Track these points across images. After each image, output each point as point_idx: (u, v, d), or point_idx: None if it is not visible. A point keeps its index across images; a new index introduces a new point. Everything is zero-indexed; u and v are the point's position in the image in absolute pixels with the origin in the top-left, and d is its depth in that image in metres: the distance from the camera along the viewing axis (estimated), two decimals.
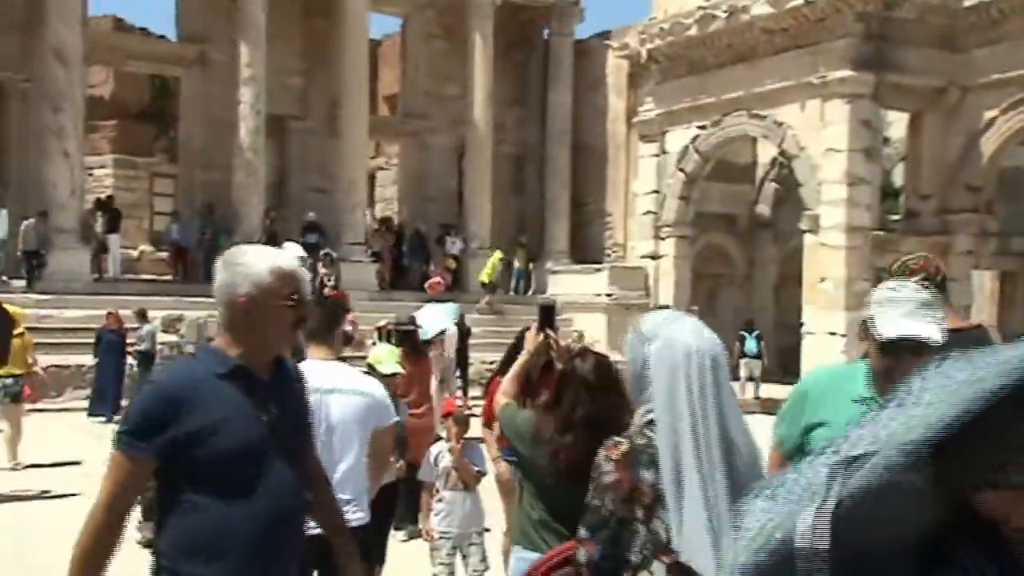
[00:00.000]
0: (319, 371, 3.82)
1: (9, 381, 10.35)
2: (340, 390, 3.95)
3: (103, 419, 14.83)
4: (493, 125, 24.58)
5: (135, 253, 27.38)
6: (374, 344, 14.93)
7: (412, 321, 9.56)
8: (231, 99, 21.45)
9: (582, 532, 2.16)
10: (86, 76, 22.45)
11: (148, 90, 32.05)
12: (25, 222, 18.86)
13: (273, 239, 21.59)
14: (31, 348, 10.84)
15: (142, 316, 16.40)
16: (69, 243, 19.32)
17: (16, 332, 9.58)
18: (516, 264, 24.53)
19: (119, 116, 31.48)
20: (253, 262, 2.49)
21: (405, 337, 8.86)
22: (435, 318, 11.00)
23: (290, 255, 2.70)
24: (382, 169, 31.47)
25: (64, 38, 19.42)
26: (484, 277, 22.80)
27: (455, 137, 25.42)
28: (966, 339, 3.11)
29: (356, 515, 3.90)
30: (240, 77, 21.32)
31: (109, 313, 15.97)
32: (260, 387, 2.48)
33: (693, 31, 21.42)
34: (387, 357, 5.89)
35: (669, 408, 2.09)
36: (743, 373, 19.06)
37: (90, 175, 29.20)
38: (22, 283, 18.87)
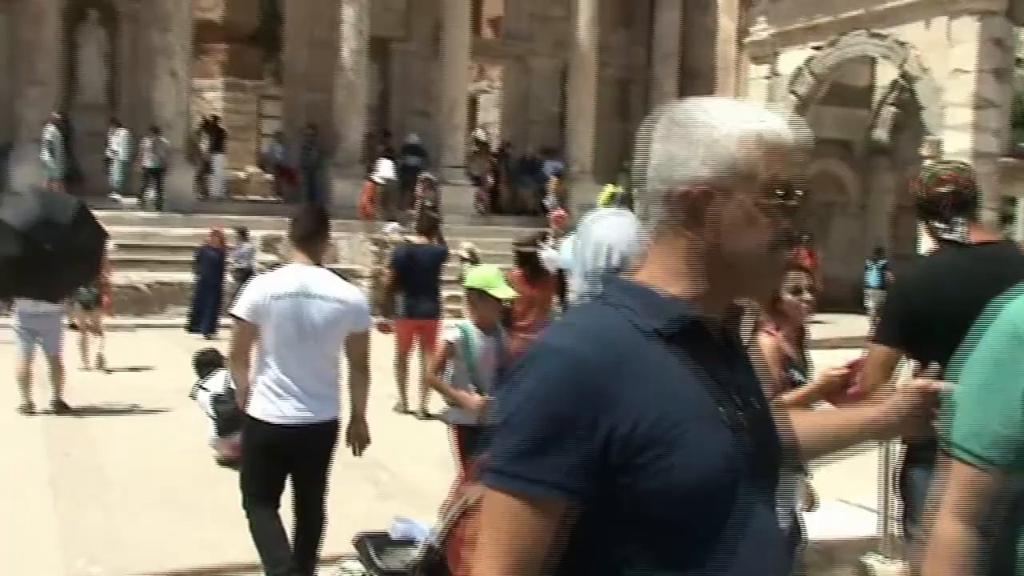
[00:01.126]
0: (300, 275, 4.28)
1: (83, 290, 10.75)
2: (319, 296, 4.26)
3: (200, 335, 15.10)
4: (597, 47, 23.92)
5: (242, 174, 27.86)
6: (468, 262, 14.78)
7: (533, 242, 8.99)
8: (335, 20, 21.32)
9: None
10: None
11: (257, 13, 32.27)
12: (146, 139, 19.07)
13: (374, 160, 21.60)
14: (106, 262, 11.23)
15: (243, 235, 16.58)
16: (175, 162, 19.60)
17: None
18: (620, 190, 24.00)
19: (229, 40, 31.84)
20: (720, 123, 1.36)
21: (525, 258, 8.42)
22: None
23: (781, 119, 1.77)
24: (484, 92, 31.10)
25: None
26: (602, 206, 22.37)
27: (558, 60, 24.83)
28: (988, 253, 3.15)
29: (327, 412, 4.35)
30: None
31: (213, 232, 16.17)
32: (720, 359, 1.39)
33: None
34: (496, 280, 5.12)
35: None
36: (870, 304, 18.25)
37: (201, 98, 29.72)
38: (131, 201, 19.23)
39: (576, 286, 2.30)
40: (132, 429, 8.48)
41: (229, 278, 16.24)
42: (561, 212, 19.85)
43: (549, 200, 22.01)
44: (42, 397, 9.02)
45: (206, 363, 7.72)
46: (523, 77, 25.38)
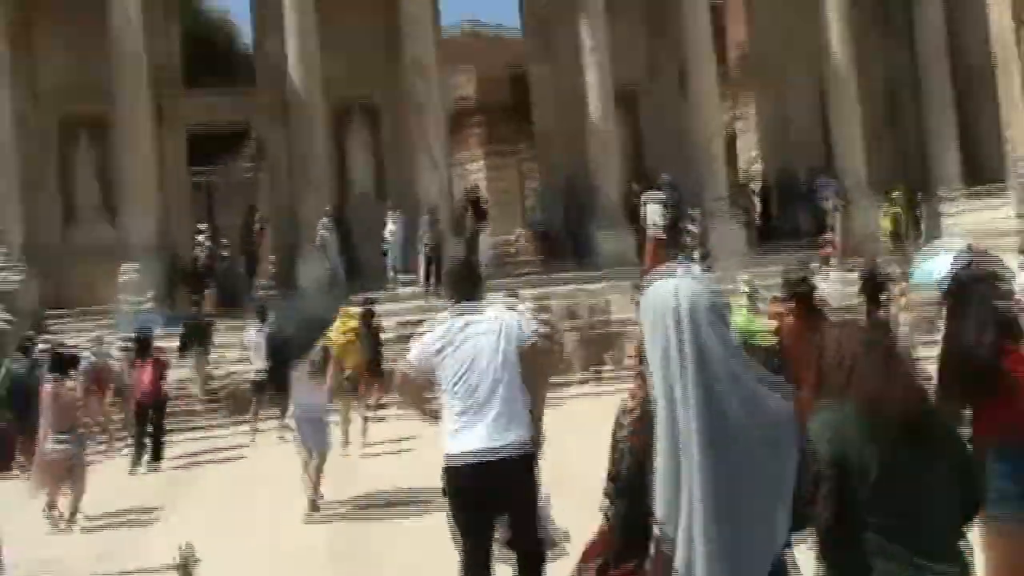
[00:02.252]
0: (459, 315, 4.68)
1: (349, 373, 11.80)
2: (478, 323, 4.63)
3: None
4: (855, 56, 22.62)
5: (511, 239, 28.48)
6: (748, 298, 14.05)
7: (806, 275, 7.98)
8: (578, 78, 21.49)
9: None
10: (445, 83, 23.56)
11: (508, 86, 33.24)
12: (421, 220, 19.73)
13: (635, 211, 21.32)
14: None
15: (514, 298, 16.70)
16: (445, 240, 20.21)
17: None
18: (897, 204, 22.33)
19: (485, 114, 32.99)
20: None
21: (800, 295, 7.42)
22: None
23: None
24: (739, 120, 30.19)
25: (420, 50, 20.43)
26: (887, 225, 21.05)
27: (814, 77, 23.69)
28: None
29: (516, 435, 4.51)
30: (584, 54, 21.29)
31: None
32: None
33: None
34: (757, 321, 4.77)
35: (654, 365, 1.97)
36: None
37: (464, 171, 30.92)
38: (408, 279, 19.96)
39: None
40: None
41: None
42: (832, 243, 18.74)
43: (830, 223, 20.87)
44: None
45: None
46: (778, 100, 24.41)
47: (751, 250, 21.14)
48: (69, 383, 10.59)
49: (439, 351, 4.61)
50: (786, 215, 23.22)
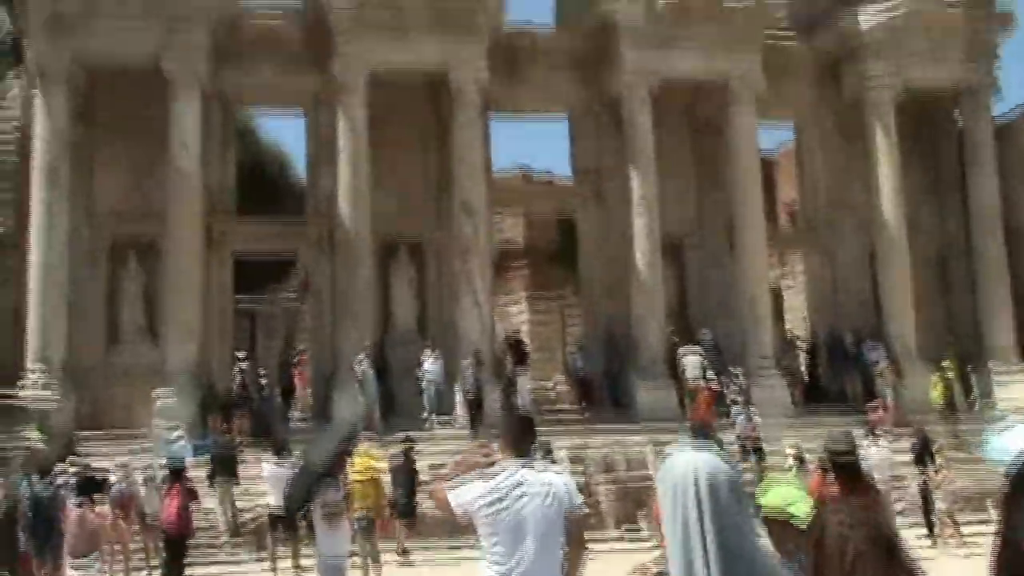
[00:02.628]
0: (512, 473, 4.59)
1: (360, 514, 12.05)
2: (530, 486, 4.56)
3: None
4: (907, 221, 22.56)
5: (550, 385, 28.15)
6: (796, 466, 13.50)
7: (851, 445, 7.52)
8: (626, 227, 21.57)
9: None
10: (492, 225, 23.78)
11: (556, 230, 33.55)
12: (464, 362, 19.57)
13: (676, 364, 21.06)
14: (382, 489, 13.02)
15: (547, 453, 16.33)
16: (485, 382, 19.98)
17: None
18: (949, 374, 21.81)
19: (531, 258, 33.19)
20: None
21: (844, 466, 7.04)
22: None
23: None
24: (786, 280, 30.04)
25: (470, 193, 20.66)
26: (937, 396, 20.57)
27: (864, 240, 23.60)
28: None
29: None
30: (633, 204, 21.42)
31: None
32: None
33: None
34: (798, 495, 4.32)
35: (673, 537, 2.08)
36: None
37: (507, 314, 30.90)
38: (444, 420, 19.66)
39: None
40: None
41: None
42: (881, 413, 18.16)
43: (879, 390, 20.42)
44: None
45: None
46: (827, 261, 24.25)
47: (796, 410, 20.67)
48: (97, 508, 10.36)
49: (489, 504, 4.56)
50: (834, 377, 22.76)
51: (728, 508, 2.14)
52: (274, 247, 22.70)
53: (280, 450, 14.46)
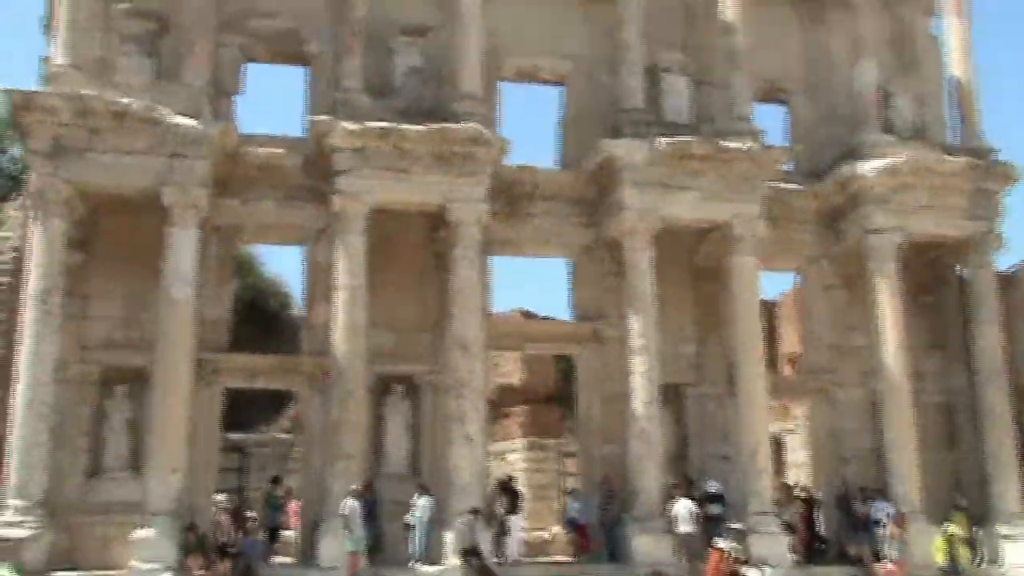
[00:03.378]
0: None
1: None
2: None
3: None
4: (910, 373, 22.18)
5: (546, 535, 27.26)
6: None
7: None
8: (625, 371, 21.20)
9: None
10: (489, 364, 23.45)
11: (554, 374, 33.19)
12: (459, 520, 18.74)
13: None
14: None
15: None
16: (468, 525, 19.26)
17: None
18: (956, 531, 20.98)
19: (529, 402, 32.75)
20: None
21: None
22: None
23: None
24: (789, 431, 29.46)
25: (467, 330, 20.39)
26: (940, 556, 19.78)
27: (867, 390, 23.18)
28: None
29: None
30: (632, 348, 21.10)
31: None
32: None
33: None
34: None
35: None
36: None
37: (502, 459, 30.21)
38: (432, 570, 18.86)
39: None
40: None
41: None
42: (892, 569, 17.36)
43: (886, 548, 19.68)
44: None
45: None
46: (830, 411, 23.74)
47: (796, 566, 19.84)
48: None
49: None
50: (838, 536, 21.94)
51: None
52: (267, 383, 22.25)
53: None
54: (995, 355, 22.44)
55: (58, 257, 19.26)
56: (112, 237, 20.72)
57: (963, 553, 20.22)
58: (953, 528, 20.32)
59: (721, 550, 17.39)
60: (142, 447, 19.86)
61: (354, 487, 18.94)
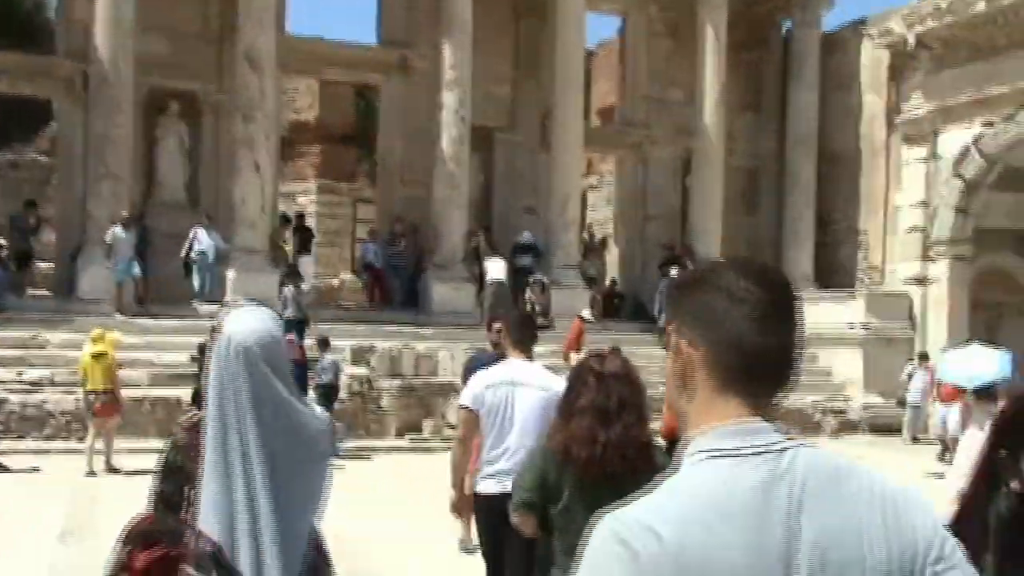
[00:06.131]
0: (512, 368, 5.10)
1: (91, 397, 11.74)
2: (528, 385, 4.94)
3: None
4: (724, 136, 21.51)
5: (335, 282, 25.93)
6: None
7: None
8: (433, 107, 19.36)
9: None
10: (281, 89, 21.03)
11: (353, 112, 30.87)
12: (285, 290, 16.52)
13: (477, 260, 19.31)
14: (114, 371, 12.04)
15: (324, 345, 14.26)
16: (257, 264, 17.54)
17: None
18: None
19: (323, 141, 30.41)
20: None
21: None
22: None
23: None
24: (593, 188, 28.83)
25: (256, 43, 17.79)
26: None
27: (679, 148, 22.46)
28: None
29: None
30: (443, 82, 19.19)
31: (289, 341, 13.85)
32: None
33: (981, 6, 17.63)
34: None
35: (211, 392, 2.26)
36: None
37: (293, 202, 28.14)
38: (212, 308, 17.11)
39: None
40: None
41: (311, 394, 13.88)
42: (578, 322, 16.86)
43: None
44: None
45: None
46: (640, 168, 22.97)
47: (598, 323, 19.42)
48: None
49: (483, 397, 5.02)
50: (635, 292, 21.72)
51: (257, 366, 2.27)
52: (14, 87, 18.97)
53: None
54: (808, 119, 21.99)
55: None
56: None
57: None
58: None
59: (583, 318, 16.65)
60: None
61: (124, 213, 16.65)
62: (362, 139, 29.26)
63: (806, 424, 17.49)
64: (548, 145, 20.66)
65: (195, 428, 2.36)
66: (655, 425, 4.38)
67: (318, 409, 2.77)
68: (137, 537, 2.35)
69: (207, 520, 2.21)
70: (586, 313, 17.27)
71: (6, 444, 12.47)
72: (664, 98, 22.73)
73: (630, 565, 1.29)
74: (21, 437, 13.23)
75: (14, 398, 13.61)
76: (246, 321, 2.33)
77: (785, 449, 1.39)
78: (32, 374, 14.19)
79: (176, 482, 2.37)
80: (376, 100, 22.71)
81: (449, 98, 19.13)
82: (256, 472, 2.23)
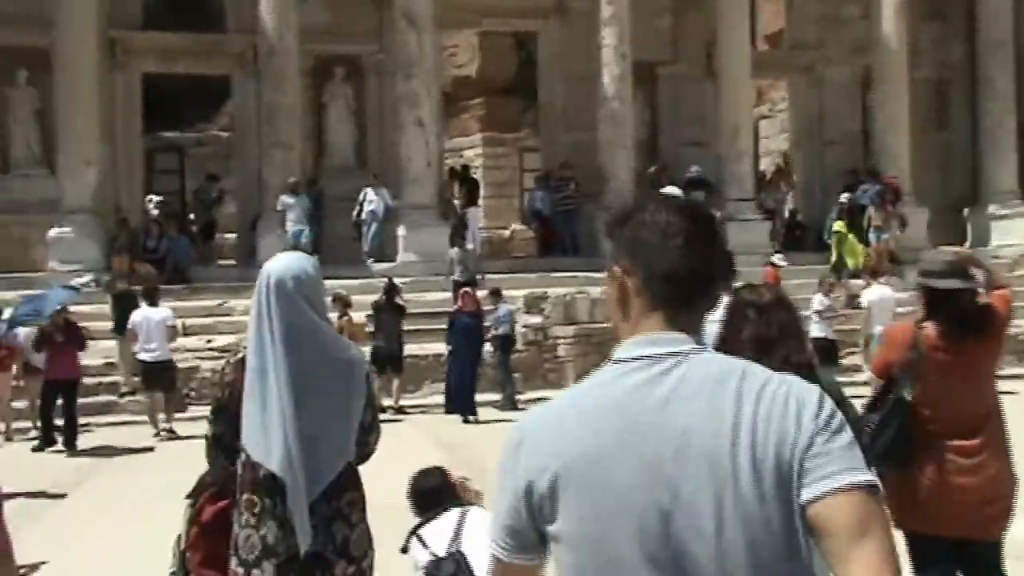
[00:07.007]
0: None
1: None
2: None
3: (460, 418, 12.79)
4: (907, 50, 20.04)
5: (506, 233, 25.91)
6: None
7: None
8: (592, 48, 18.85)
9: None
10: (440, 42, 20.95)
11: (513, 63, 30.62)
12: (451, 251, 16.73)
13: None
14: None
15: (496, 296, 14.16)
16: (426, 220, 17.60)
17: None
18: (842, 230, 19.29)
19: (486, 94, 30.33)
20: None
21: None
22: None
23: None
24: (765, 118, 27.57)
25: (413, 1, 17.76)
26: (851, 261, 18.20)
27: (857, 67, 21.11)
28: None
29: None
30: (601, 19, 18.64)
31: (464, 294, 13.87)
32: None
33: None
34: None
35: (251, 323, 2.58)
36: None
37: (459, 156, 28.25)
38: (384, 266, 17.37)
39: None
40: None
41: (488, 347, 13.85)
42: (771, 271, 15.70)
43: (873, 233, 18.27)
44: None
45: (427, 493, 4.15)
46: (814, 91, 21.74)
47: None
48: None
49: None
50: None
51: (292, 298, 2.48)
52: (190, 67, 19.69)
53: (150, 297, 12.68)
54: (1003, 22, 20.20)
55: None
56: None
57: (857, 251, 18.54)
58: (839, 226, 18.70)
59: (775, 264, 15.94)
60: (55, 141, 17.59)
61: (292, 180, 17.02)
62: (524, 89, 28.97)
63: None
64: (714, 75, 19.83)
65: (242, 363, 2.52)
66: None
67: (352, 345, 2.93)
68: (202, 491, 2.52)
69: (248, 438, 2.40)
70: (778, 259, 16.36)
71: (197, 410, 12.99)
72: (836, 14, 21.38)
73: (506, 451, 1.62)
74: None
75: (205, 364, 14.16)
76: (283, 259, 2.58)
77: (684, 356, 1.56)
78: (220, 341, 14.72)
79: (228, 423, 2.47)
80: (535, 48, 22.37)
81: (608, 35, 18.58)
82: (286, 392, 2.40)
